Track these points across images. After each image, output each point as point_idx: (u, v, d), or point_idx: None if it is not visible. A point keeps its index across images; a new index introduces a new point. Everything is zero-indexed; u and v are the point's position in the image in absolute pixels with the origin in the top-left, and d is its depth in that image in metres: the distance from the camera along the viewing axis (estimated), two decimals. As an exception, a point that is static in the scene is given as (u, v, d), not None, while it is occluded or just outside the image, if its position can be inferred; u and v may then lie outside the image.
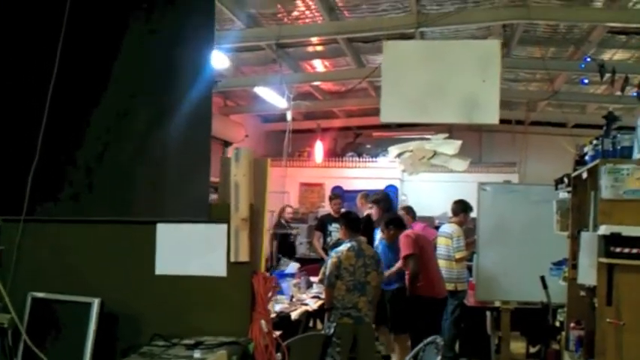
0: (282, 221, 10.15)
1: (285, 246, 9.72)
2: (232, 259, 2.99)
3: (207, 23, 3.16)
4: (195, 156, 3.12)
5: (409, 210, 9.18)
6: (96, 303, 2.80)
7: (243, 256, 2.98)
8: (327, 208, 10.64)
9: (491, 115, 4.91)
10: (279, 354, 3.17)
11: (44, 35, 3.16)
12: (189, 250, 3.06)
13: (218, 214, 3.03)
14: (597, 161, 4.36)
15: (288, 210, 10.41)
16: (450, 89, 4.86)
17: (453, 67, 4.88)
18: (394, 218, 7.31)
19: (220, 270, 3.01)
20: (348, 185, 12.06)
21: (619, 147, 4.36)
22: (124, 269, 3.09)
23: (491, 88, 4.81)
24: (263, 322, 2.98)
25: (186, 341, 2.80)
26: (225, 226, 3.01)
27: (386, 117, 5.04)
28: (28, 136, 3.09)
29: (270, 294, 3.11)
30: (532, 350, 7.99)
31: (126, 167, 3.15)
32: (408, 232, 7.28)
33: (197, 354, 2.57)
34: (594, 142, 4.67)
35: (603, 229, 4.06)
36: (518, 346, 8.30)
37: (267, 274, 3.15)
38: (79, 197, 3.13)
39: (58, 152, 3.14)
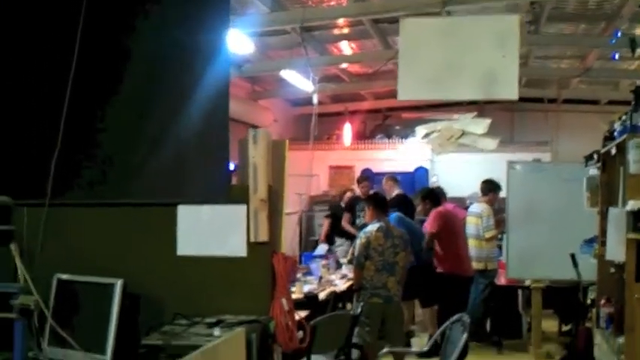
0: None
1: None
2: (252, 240, 3.02)
3: (223, 5, 3.17)
4: (215, 138, 3.15)
5: (432, 194, 9.16)
6: (119, 284, 2.84)
7: (263, 237, 3.01)
8: (357, 190, 10.62)
9: (510, 91, 4.82)
10: (300, 332, 3.19)
11: (64, 22, 3.20)
12: (209, 231, 3.10)
13: (237, 195, 3.06)
14: (625, 136, 4.28)
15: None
16: (468, 65, 4.78)
17: (471, 42, 4.80)
18: (430, 192, 7.34)
19: (240, 250, 3.05)
20: (377, 167, 12.00)
21: (648, 121, 4.27)
22: (146, 251, 3.15)
23: (511, 63, 4.72)
24: (284, 300, 3.00)
25: (208, 320, 2.83)
26: (244, 207, 3.04)
27: (403, 95, 4.99)
28: (51, 122, 3.14)
29: (291, 273, 3.13)
30: (564, 328, 7.92)
31: (146, 151, 3.19)
32: (439, 209, 7.28)
33: (217, 331, 2.61)
34: (623, 117, 4.58)
35: (631, 205, 4.00)
36: (550, 325, 8.22)
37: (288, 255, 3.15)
38: (101, 181, 3.19)
39: (80, 137, 3.19)
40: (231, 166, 3.24)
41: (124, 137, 3.20)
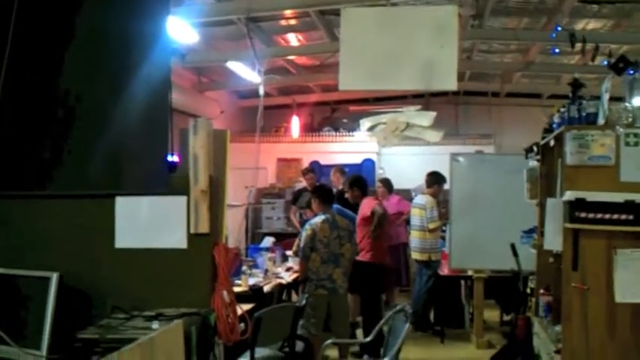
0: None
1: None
2: (192, 231, 2.99)
3: (163, -7, 3.11)
4: (155, 128, 3.09)
5: (386, 183, 9.24)
6: (54, 277, 2.78)
7: (203, 228, 2.98)
8: (304, 182, 10.62)
9: (449, 81, 4.89)
10: (242, 324, 3.17)
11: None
12: (148, 222, 3.05)
13: (177, 186, 3.01)
14: (562, 128, 4.37)
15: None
16: (408, 55, 4.82)
17: (410, 33, 4.84)
18: (357, 179, 7.36)
19: (181, 242, 3.01)
20: (325, 160, 12.03)
21: (584, 114, 4.37)
22: (84, 243, 3.08)
23: (449, 53, 4.78)
24: (225, 292, 2.97)
25: (147, 313, 2.79)
26: (184, 198, 3.00)
27: (344, 85, 5.00)
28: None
29: (233, 265, 3.11)
30: (505, 318, 8.09)
31: (84, 141, 3.11)
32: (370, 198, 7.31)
33: (155, 325, 2.57)
34: (561, 109, 4.68)
35: (568, 195, 4.08)
36: (492, 315, 8.40)
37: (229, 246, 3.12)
38: (36, 172, 3.10)
39: (14, 126, 3.10)
40: (176, 158, 3.18)
41: (60, 126, 3.11)
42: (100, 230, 3.04)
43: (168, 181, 3.04)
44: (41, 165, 3.08)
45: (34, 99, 3.12)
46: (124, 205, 3.05)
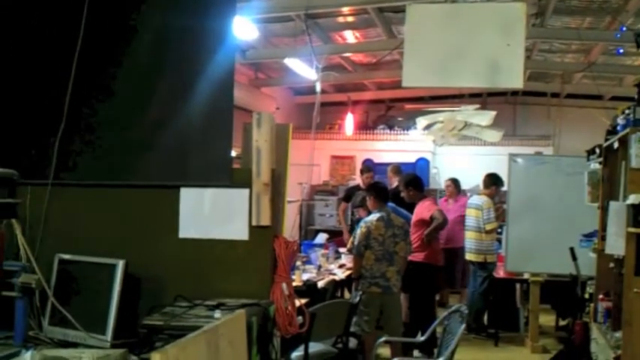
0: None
1: None
2: (254, 223, 3.03)
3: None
4: (219, 122, 3.14)
5: (455, 182, 9.16)
6: (120, 264, 2.85)
7: (265, 220, 3.02)
8: (357, 180, 10.63)
9: (514, 80, 4.81)
10: (300, 317, 3.20)
11: (70, 5, 3.20)
12: (212, 214, 3.10)
13: (240, 178, 3.06)
14: (627, 130, 4.28)
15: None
16: (473, 53, 4.76)
17: (476, 30, 4.77)
18: (413, 178, 7.29)
19: (242, 234, 3.05)
20: (379, 158, 11.99)
21: (651, 115, 4.27)
22: (149, 233, 3.15)
23: (516, 51, 4.71)
24: (284, 285, 3.01)
25: (209, 302, 2.84)
26: (247, 191, 3.04)
27: (408, 81, 4.97)
28: (56, 101, 3.15)
29: (292, 258, 3.14)
30: (561, 323, 7.94)
31: (151, 133, 3.19)
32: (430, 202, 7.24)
33: (217, 314, 2.62)
34: (626, 111, 4.58)
35: (632, 198, 4.00)
36: (547, 319, 8.25)
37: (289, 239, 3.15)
38: (105, 162, 3.19)
39: (84, 118, 3.19)
40: (233, 153, 3.23)
41: (128, 119, 3.20)
42: (164, 220, 3.11)
43: (231, 173, 3.09)
44: (110, 156, 3.17)
45: (102, 93, 3.21)
46: (188, 196, 3.11)
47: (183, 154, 3.17)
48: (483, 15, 4.80)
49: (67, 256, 3.00)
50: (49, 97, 3.20)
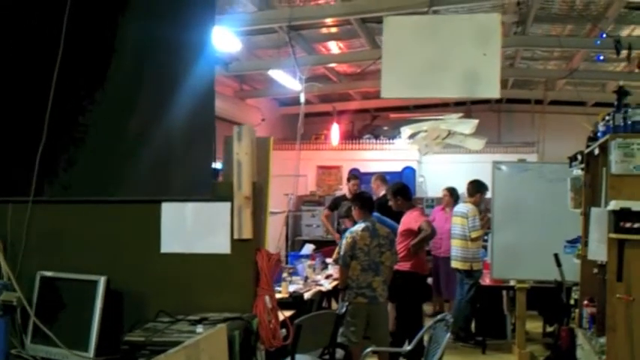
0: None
1: None
2: (236, 237, 3.03)
3: (209, 2, 3.17)
4: (200, 135, 3.15)
5: (453, 191, 9.20)
6: (102, 280, 2.85)
7: (247, 234, 3.02)
8: (344, 190, 10.65)
9: (492, 89, 4.87)
10: (283, 330, 3.19)
11: (49, 16, 3.19)
12: (193, 228, 3.10)
13: (221, 192, 3.06)
14: (607, 136, 4.32)
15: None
16: (451, 63, 4.82)
17: (453, 41, 4.83)
18: (401, 187, 7.30)
19: (224, 247, 3.05)
20: (365, 167, 12.03)
21: (630, 122, 4.31)
22: (131, 248, 3.14)
23: (492, 61, 4.76)
24: (267, 298, 3.01)
25: (191, 317, 2.84)
26: (228, 204, 3.04)
27: (386, 93, 5.02)
28: (35, 119, 3.14)
29: (275, 270, 3.14)
30: (548, 329, 7.97)
31: (132, 147, 3.18)
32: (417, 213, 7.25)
33: (199, 329, 2.61)
34: (606, 117, 4.62)
35: (613, 205, 4.03)
36: (535, 326, 8.28)
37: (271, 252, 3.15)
38: (85, 178, 3.18)
39: (64, 133, 3.18)
40: (219, 165, 3.24)
41: (108, 133, 3.19)
42: (146, 235, 3.10)
43: (213, 186, 3.09)
44: (91, 172, 3.16)
45: (82, 107, 3.21)
46: (169, 210, 3.11)
47: (165, 168, 3.17)
48: (459, 26, 4.86)
49: (48, 274, 2.99)
50: (30, 113, 3.19)
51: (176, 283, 3.07)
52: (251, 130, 3.11)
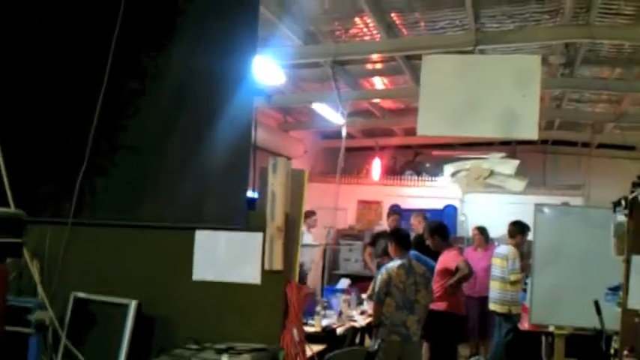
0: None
1: None
2: (267, 268, 3.04)
3: (251, 34, 3.23)
4: (236, 165, 3.18)
5: (483, 231, 9.10)
6: (133, 304, 2.88)
7: (277, 265, 3.03)
8: (384, 225, 10.60)
9: (530, 131, 4.82)
10: (311, 364, 3.18)
11: (96, 42, 3.30)
12: (225, 257, 3.13)
13: (255, 222, 3.08)
14: (652, 182, 4.22)
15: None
16: (488, 103, 4.80)
17: (491, 81, 4.82)
18: (439, 226, 7.25)
19: (255, 278, 3.07)
20: (406, 204, 11.98)
21: (676, 168, 4.21)
22: (163, 273, 3.18)
23: (531, 102, 4.72)
24: (295, 330, 3.00)
25: (218, 346, 2.84)
26: (260, 235, 3.06)
27: (422, 130, 5.02)
28: (78, 143, 3.22)
29: (304, 303, 3.13)
30: (588, 378, 7.72)
31: (169, 173, 3.24)
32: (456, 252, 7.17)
33: (224, 358, 2.61)
34: (653, 163, 4.53)
35: (656, 253, 3.92)
36: (573, 374, 8.03)
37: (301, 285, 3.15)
38: (123, 203, 3.25)
39: (104, 158, 3.26)
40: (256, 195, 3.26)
41: (147, 159, 3.26)
42: (179, 261, 3.14)
43: (246, 217, 3.12)
44: (129, 197, 3.23)
45: (123, 131, 3.29)
46: (202, 238, 3.15)
47: (201, 195, 3.21)
48: (499, 66, 4.85)
49: (82, 294, 3.04)
50: (72, 138, 3.28)
51: (205, 311, 3.09)
52: (286, 163, 3.14)
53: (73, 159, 3.21)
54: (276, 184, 3.07)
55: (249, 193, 3.24)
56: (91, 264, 3.22)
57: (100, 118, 3.22)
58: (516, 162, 10.02)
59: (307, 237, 9.60)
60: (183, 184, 3.19)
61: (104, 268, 3.21)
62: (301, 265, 8.56)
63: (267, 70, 6.96)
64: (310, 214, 9.98)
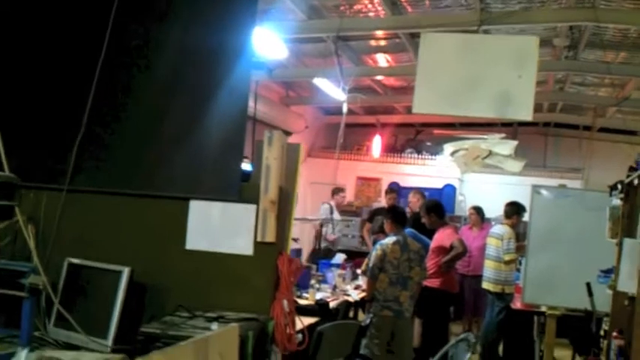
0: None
1: None
2: (259, 239, 3.07)
3: (250, 6, 3.23)
4: (232, 137, 3.21)
5: (479, 210, 9.15)
6: (126, 271, 2.91)
7: (270, 237, 3.06)
8: (382, 202, 10.64)
9: (525, 112, 4.82)
10: (300, 335, 3.22)
11: (95, 12, 3.30)
12: (219, 227, 3.16)
13: (248, 194, 3.11)
14: (647, 167, 4.24)
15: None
16: (485, 83, 4.80)
17: (489, 61, 4.82)
18: (435, 205, 7.30)
19: (247, 249, 3.10)
20: (405, 182, 12.00)
21: (672, 154, 4.23)
22: (157, 242, 3.22)
23: (527, 83, 4.72)
24: (285, 302, 3.04)
25: (209, 314, 2.89)
26: (254, 207, 3.09)
27: (418, 108, 5.04)
28: (75, 112, 3.24)
29: (295, 275, 3.17)
30: (578, 359, 7.79)
31: (165, 145, 3.27)
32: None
33: (214, 326, 2.66)
34: (650, 148, 4.54)
35: (647, 237, 3.95)
36: (564, 354, 8.08)
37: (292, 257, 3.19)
38: (119, 172, 3.28)
39: (102, 127, 3.28)
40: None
41: (144, 130, 3.29)
42: (173, 231, 3.17)
43: (240, 188, 3.14)
44: (125, 166, 3.26)
45: (121, 103, 3.31)
46: (197, 208, 3.18)
47: (196, 167, 3.24)
48: (497, 47, 4.84)
49: (75, 260, 3.07)
50: (70, 106, 3.30)
51: (198, 280, 3.14)
52: (282, 136, 3.16)
53: (70, 127, 3.23)
54: (271, 157, 3.09)
55: (246, 166, 3.27)
56: (86, 231, 3.26)
57: (99, 88, 3.23)
58: (514, 143, 10.03)
59: (336, 215, 9.68)
60: (179, 155, 3.22)
61: (99, 235, 3.25)
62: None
63: (269, 43, 6.94)
64: (338, 190, 10.05)
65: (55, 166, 3.27)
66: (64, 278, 3.06)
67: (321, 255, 8.69)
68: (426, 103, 5.01)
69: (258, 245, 3.08)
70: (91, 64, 3.24)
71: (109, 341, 2.82)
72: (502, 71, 4.77)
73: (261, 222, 3.07)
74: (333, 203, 9.86)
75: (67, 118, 3.29)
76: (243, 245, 3.10)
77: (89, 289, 3.01)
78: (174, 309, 2.96)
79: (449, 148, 10.46)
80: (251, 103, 6.54)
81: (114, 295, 2.89)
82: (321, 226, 9.13)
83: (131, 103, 3.29)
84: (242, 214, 3.11)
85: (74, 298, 2.99)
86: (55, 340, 2.97)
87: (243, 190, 3.14)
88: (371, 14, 7.84)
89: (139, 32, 3.31)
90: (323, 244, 9.44)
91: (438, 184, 12.15)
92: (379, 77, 10.67)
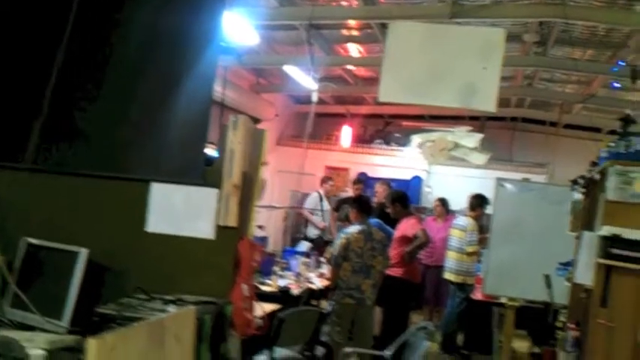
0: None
1: None
2: (221, 223, 3.06)
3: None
4: (196, 121, 3.19)
5: (444, 202, 9.25)
6: (83, 252, 2.89)
7: (232, 221, 3.06)
8: (350, 192, 10.66)
9: (489, 103, 4.87)
10: (260, 320, 3.23)
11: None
12: (180, 211, 3.14)
13: (211, 178, 3.10)
14: (607, 162, 4.32)
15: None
16: (450, 73, 4.84)
17: (455, 51, 4.86)
18: (400, 195, 7.37)
19: (208, 233, 3.09)
20: (374, 172, 12.04)
21: (632, 150, 4.30)
22: (117, 224, 3.19)
23: (492, 75, 4.77)
24: (245, 286, 3.04)
25: (167, 297, 2.88)
26: (216, 191, 3.08)
27: (383, 97, 5.06)
28: (38, 91, 3.20)
29: (256, 260, 3.17)
30: (536, 350, 7.93)
31: (128, 128, 3.24)
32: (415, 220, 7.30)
33: (171, 308, 2.65)
34: (611, 144, 4.62)
35: (604, 230, 4.02)
36: (522, 345, 8.23)
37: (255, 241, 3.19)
38: (81, 153, 3.24)
39: (65, 108, 3.24)
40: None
41: (108, 112, 3.25)
42: (133, 213, 3.15)
43: (203, 172, 3.13)
44: (87, 147, 3.22)
45: (84, 85, 3.27)
46: (158, 191, 3.16)
47: (158, 150, 3.22)
48: (463, 37, 4.88)
49: (33, 240, 3.03)
50: (33, 86, 3.25)
51: (157, 263, 3.12)
52: (247, 120, 3.15)
53: (33, 107, 3.19)
54: (236, 141, 3.08)
55: (213, 152, 3.26)
56: (46, 211, 3.22)
57: (62, 69, 3.19)
58: (480, 136, 10.16)
59: (325, 204, 9.71)
60: (142, 137, 3.19)
61: (59, 216, 3.21)
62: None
63: (240, 28, 6.89)
64: (327, 179, 10.07)
65: (16, 146, 3.22)
66: (21, 258, 3.02)
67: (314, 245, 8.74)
68: (391, 92, 5.04)
69: (219, 229, 3.07)
70: (56, 45, 3.19)
71: (65, 322, 2.80)
72: (468, 62, 4.81)
73: (224, 206, 3.06)
74: (322, 192, 9.91)
75: (30, 98, 3.24)
76: (204, 229, 3.09)
77: (47, 270, 2.97)
78: (134, 291, 2.94)
79: (416, 139, 10.54)
80: (220, 89, 6.53)
81: (71, 276, 2.86)
82: (312, 214, 9.16)
83: (96, 84, 3.24)
84: (204, 197, 3.10)
85: (31, 279, 2.96)
86: (10, 320, 2.93)
87: (206, 174, 3.13)
88: (344, 3, 7.84)
89: (105, 14, 3.27)
90: (315, 232, 9.53)
91: (407, 176, 12.22)
92: (350, 67, 10.68)
